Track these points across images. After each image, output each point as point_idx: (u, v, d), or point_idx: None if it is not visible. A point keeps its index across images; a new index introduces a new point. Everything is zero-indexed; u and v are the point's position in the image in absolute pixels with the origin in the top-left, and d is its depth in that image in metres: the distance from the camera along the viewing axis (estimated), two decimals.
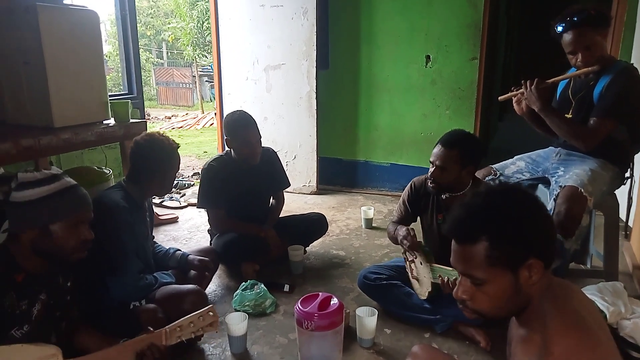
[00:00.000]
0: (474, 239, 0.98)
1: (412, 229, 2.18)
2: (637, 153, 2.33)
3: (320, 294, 1.79)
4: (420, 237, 2.36)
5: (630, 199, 2.40)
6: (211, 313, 1.46)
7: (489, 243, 0.96)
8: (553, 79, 2.29)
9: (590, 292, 1.75)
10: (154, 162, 1.99)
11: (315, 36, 3.95)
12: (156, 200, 3.74)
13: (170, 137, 2.09)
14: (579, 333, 0.93)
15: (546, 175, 2.41)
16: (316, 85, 4.04)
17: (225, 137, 2.68)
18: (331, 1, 4.16)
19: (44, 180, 1.37)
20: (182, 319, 1.46)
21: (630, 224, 2.81)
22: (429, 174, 2.10)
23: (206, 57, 16.33)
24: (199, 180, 3.52)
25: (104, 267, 1.86)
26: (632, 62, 2.67)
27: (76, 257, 1.43)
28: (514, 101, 2.39)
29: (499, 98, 2.50)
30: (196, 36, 15.33)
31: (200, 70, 17.16)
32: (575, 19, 2.10)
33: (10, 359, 1.20)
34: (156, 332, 1.43)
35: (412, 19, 3.93)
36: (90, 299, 1.81)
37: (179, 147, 2.09)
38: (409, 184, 2.33)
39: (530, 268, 0.96)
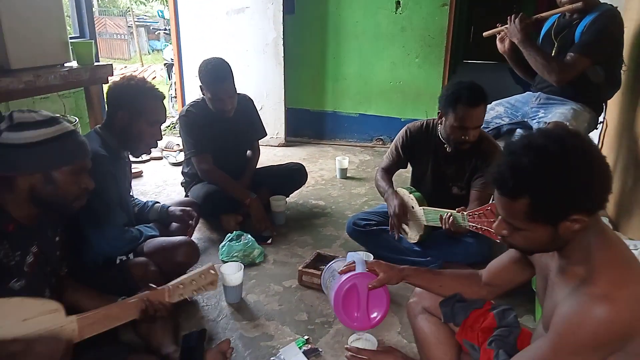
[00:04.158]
0: (516, 196, 0.95)
1: (403, 205, 2.13)
2: (610, 97, 2.43)
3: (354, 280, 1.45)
4: (408, 183, 2.37)
5: (601, 142, 2.52)
6: (212, 271, 1.42)
7: (530, 202, 0.93)
8: (537, 15, 2.32)
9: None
10: (128, 107, 1.79)
11: None
12: None
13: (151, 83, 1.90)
14: (625, 266, 0.93)
15: (525, 120, 2.46)
16: (283, 31, 3.86)
17: (199, 84, 2.51)
18: None
19: (43, 122, 1.23)
20: (183, 276, 1.40)
21: None
22: (469, 137, 1.98)
23: (144, 4, 15.14)
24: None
25: (86, 220, 1.71)
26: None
27: (77, 205, 1.34)
28: (497, 39, 2.43)
29: (484, 34, 2.52)
30: None
31: (136, 20, 15.89)
32: None
33: (10, 313, 1.10)
34: (159, 289, 1.37)
35: None
36: (74, 254, 1.67)
37: (164, 98, 1.92)
38: (404, 130, 2.28)
39: (572, 221, 0.93)
